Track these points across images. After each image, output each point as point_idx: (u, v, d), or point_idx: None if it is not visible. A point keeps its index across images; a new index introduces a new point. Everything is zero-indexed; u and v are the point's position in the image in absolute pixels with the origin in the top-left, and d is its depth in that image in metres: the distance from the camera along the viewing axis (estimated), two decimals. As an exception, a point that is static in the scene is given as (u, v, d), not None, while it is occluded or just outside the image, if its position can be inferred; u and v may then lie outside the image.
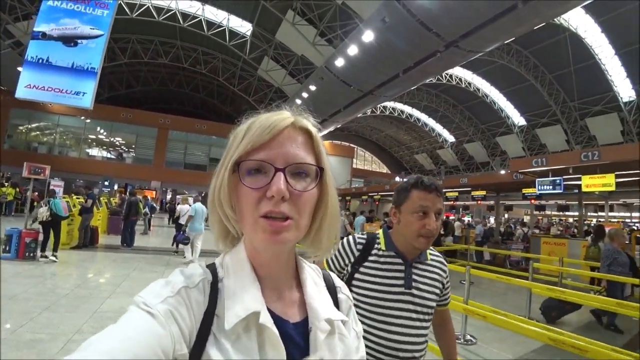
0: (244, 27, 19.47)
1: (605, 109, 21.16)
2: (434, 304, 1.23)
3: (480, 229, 9.56)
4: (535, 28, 11.92)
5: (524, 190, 9.61)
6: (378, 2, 12.44)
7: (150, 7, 18.44)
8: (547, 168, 7.03)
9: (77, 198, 8.41)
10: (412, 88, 18.54)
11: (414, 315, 1.17)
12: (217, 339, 0.45)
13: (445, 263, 1.32)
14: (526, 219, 24.27)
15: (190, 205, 7.75)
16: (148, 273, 6.31)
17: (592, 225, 16.98)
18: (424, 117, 28.37)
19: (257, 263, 0.52)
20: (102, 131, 25.13)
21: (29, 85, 7.97)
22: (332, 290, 0.62)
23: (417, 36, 12.07)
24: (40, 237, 6.33)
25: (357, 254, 1.24)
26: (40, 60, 8.08)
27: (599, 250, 5.91)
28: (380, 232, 1.30)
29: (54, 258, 6.32)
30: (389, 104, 26.16)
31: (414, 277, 1.21)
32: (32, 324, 3.50)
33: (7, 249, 5.95)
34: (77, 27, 8.35)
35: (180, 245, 7.76)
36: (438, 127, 28.82)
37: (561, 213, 20.61)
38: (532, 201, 9.34)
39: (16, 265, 5.75)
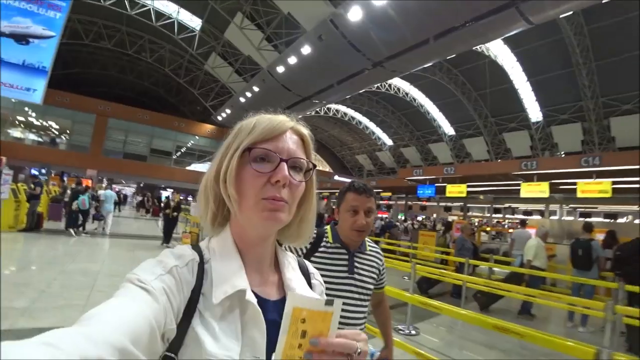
0: (194, 21, 20.62)
1: (518, 126, 25.37)
2: (372, 287, 1.51)
3: (379, 223, 12.25)
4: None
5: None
6: (318, 18, 14.56)
7: (95, -10, 18.89)
8: (423, 177, 9.70)
9: (21, 185, 9.58)
10: (349, 96, 21.05)
11: (355, 296, 1.44)
12: (203, 315, 0.53)
13: (381, 253, 1.64)
14: (451, 218, 28.23)
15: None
16: (95, 248, 7.97)
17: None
18: (365, 121, 31.38)
19: (243, 246, 0.62)
20: (32, 113, 24.67)
21: (-21, 78, 9.00)
22: (307, 275, 0.73)
23: (348, 55, 14.43)
24: None
25: (308, 246, 1.47)
26: (-9, 56, 9.12)
27: (445, 239, 8.59)
28: (328, 227, 1.57)
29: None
30: (333, 106, 28.63)
31: (356, 264, 1.49)
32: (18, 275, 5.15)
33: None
34: (29, 27, 9.47)
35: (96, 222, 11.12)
36: (378, 131, 32.04)
37: (463, 213, 24.36)
38: (424, 202, 12.11)
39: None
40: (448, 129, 28.24)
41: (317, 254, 1.49)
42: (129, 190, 29.76)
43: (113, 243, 9.18)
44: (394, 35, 13.02)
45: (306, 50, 14.89)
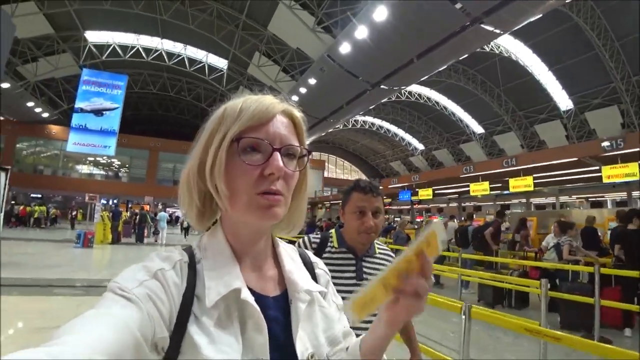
0: (221, 62, 25.62)
1: (549, 117, 26.60)
2: None
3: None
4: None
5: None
6: (321, 51, 18.31)
7: (140, 49, 24.61)
8: (398, 185, 12.88)
9: (105, 213, 14.59)
10: (367, 109, 24.47)
11: None
12: (198, 318, 0.52)
13: (392, 255, 1.58)
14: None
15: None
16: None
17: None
18: (393, 128, 34.28)
19: (236, 243, 0.61)
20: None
21: (75, 142, 14.13)
22: (309, 266, 0.73)
23: (348, 80, 17.98)
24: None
25: (312, 252, 1.44)
26: (80, 127, 14.23)
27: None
28: (332, 231, 1.59)
29: None
30: (360, 118, 32.06)
31: (365, 269, 1.50)
32: (104, 270, 9.53)
33: (78, 242, 12.06)
34: (102, 103, 14.51)
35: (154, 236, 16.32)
36: (407, 137, 34.74)
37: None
38: (416, 205, 15.19)
39: (84, 250, 11.86)
40: (476, 127, 30.11)
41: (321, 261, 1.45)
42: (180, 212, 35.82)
43: (163, 247, 13.70)
44: (381, 60, 16.34)
45: (312, 81, 18.80)
